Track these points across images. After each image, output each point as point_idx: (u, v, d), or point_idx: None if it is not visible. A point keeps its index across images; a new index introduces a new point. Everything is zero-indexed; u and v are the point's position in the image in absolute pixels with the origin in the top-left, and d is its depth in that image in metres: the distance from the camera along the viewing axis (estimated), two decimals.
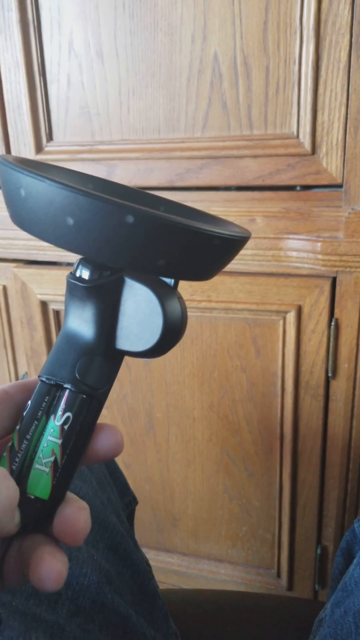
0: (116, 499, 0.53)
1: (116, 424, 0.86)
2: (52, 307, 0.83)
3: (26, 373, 0.90)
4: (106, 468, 0.56)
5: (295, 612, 0.54)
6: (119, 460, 0.87)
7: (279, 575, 0.87)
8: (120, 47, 0.69)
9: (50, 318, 0.84)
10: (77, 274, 0.26)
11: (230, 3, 0.63)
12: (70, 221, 0.23)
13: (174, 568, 0.93)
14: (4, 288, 0.85)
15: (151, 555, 0.93)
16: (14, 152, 0.78)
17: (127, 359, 0.79)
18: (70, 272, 0.27)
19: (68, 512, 0.24)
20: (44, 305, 0.83)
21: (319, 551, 0.82)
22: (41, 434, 0.26)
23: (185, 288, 0.74)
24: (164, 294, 0.25)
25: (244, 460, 0.82)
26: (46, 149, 0.76)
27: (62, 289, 0.84)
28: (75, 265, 0.27)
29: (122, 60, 0.69)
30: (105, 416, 0.86)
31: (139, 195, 0.32)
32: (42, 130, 0.76)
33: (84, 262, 0.26)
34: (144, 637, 0.41)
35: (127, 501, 0.59)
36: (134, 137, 0.72)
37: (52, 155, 0.76)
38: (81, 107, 0.73)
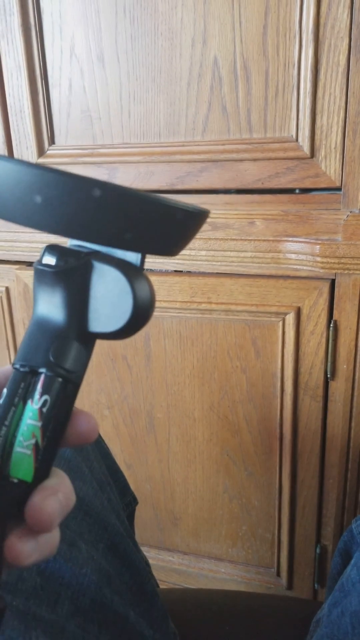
0: (116, 500, 0.54)
1: (117, 425, 0.87)
2: None
3: None
4: (107, 469, 0.57)
5: (293, 612, 0.55)
6: (119, 460, 0.88)
7: (278, 574, 0.88)
8: (121, 51, 0.69)
9: None
10: (45, 261, 0.27)
11: (230, 7, 0.64)
12: (39, 199, 0.24)
13: (174, 567, 0.94)
14: (7, 290, 0.86)
15: (152, 554, 0.94)
16: (16, 156, 0.78)
17: (128, 359, 0.79)
18: (38, 260, 0.27)
19: (35, 500, 0.25)
20: None
21: (318, 550, 0.83)
22: (20, 418, 0.26)
23: (186, 290, 0.74)
24: (132, 274, 0.26)
25: (244, 460, 0.82)
26: (48, 152, 0.77)
27: None
28: (41, 253, 0.27)
29: (123, 65, 0.70)
30: (107, 417, 0.87)
31: None
32: (44, 134, 0.76)
33: (50, 248, 0.27)
34: (142, 637, 0.41)
35: (127, 501, 0.59)
36: (135, 141, 0.73)
37: (54, 158, 0.77)
38: (82, 111, 0.74)
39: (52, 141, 0.77)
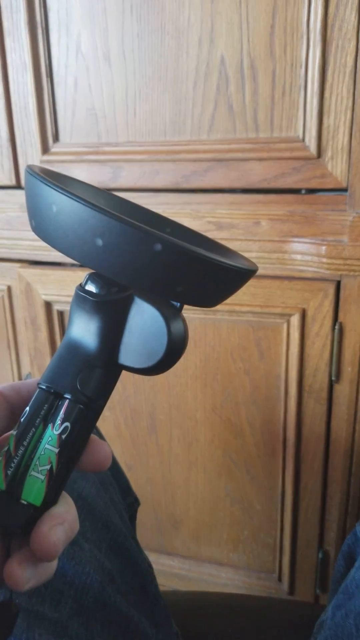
0: (119, 500, 0.53)
1: (119, 425, 0.86)
2: (56, 307, 0.84)
3: (29, 374, 0.90)
4: (109, 469, 0.56)
5: (296, 614, 0.54)
6: (120, 461, 0.87)
7: (280, 579, 0.87)
8: (128, 50, 0.69)
9: (54, 319, 0.84)
10: (87, 288, 0.27)
11: (238, 6, 0.64)
12: (100, 242, 0.24)
13: (174, 571, 0.93)
14: (9, 288, 0.86)
15: (152, 558, 0.93)
16: (20, 153, 0.78)
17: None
18: (80, 284, 0.28)
19: (43, 528, 0.25)
20: (48, 305, 0.83)
21: (320, 555, 0.82)
22: (38, 441, 0.27)
23: None
24: (171, 315, 0.26)
25: (246, 463, 0.82)
26: (52, 150, 0.77)
27: (67, 289, 0.84)
28: (85, 279, 0.28)
29: (129, 63, 0.70)
30: (108, 417, 0.86)
31: (148, 214, 0.33)
32: (49, 132, 0.76)
33: (94, 276, 0.27)
34: (145, 636, 0.41)
35: (130, 502, 0.59)
36: (140, 140, 0.72)
37: (58, 156, 0.76)
38: (88, 109, 0.73)
39: (56, 139, 0.76)
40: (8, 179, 0.80)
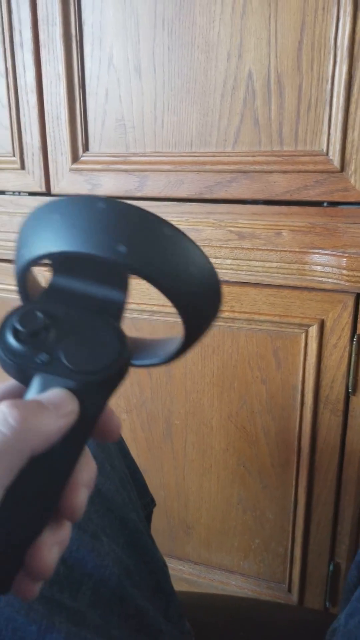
0: (136, 499, 0.54)
1: (135, 429, 0.87)
2: None
3: None
4: (127, 468, 0.57)
5: (308, 622, 0.54)
6: None
7: (289, 590, 0.87)
8: (158, 63, 0.71)
9: None
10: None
11: (267, 23, 0.65)
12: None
13: (184, 576, 0.93)
14: None
15: None
16: (50, 161, 0.80)
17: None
18: None
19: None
20: None
21: (331, 568, 0.82)
22: None
23: None
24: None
25: (259, 472, 0.82)
26: (82, 158, 0.79)
27: None
28: None
29: (159, 76, 0.72)
30: (124, 421, 0.87)
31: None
32: (79, 141, 0.78)
33: None
34: (160, 632, 0.41)
35: (146, 502, 0.60)
36: (167, 150, 0.74)
37: (87, 165, 0.79)
38: (117, 119, 0.76)
39: (86, 148, 0.79)
40: (38, 185, 0.82)
